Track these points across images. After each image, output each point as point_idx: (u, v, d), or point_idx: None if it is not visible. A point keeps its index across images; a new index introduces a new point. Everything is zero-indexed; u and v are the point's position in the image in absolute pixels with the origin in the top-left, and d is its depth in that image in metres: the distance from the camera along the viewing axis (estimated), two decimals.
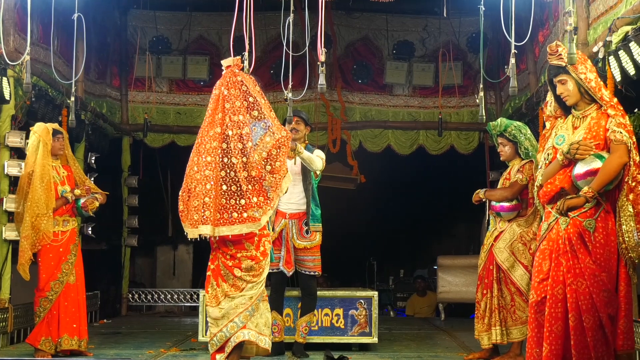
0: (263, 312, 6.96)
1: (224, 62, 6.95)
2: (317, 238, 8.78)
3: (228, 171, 6.63)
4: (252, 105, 6.72)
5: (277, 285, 8.75)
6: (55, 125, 8.96)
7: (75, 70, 9.32)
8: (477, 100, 9.45)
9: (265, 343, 6.93)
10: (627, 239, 5.97)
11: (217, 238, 6.72)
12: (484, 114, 9.18)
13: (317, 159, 8.52)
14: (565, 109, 6.41)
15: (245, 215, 6.63)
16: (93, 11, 12.17)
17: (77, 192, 8.92)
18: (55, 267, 8.69)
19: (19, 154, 9.55)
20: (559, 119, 6.50)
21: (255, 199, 6.65)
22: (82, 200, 8.94)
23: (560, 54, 6.22)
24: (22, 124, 9.75)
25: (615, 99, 6.27)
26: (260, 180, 6.68)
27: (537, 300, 6.18)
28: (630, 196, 5.98)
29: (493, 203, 8.62)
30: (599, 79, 6.30)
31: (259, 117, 6.75)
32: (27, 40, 8.55)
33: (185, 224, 6.73)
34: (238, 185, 6.62)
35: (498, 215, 8.59)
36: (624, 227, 5.98)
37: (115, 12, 14.26)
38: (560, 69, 6.26)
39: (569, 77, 6.24)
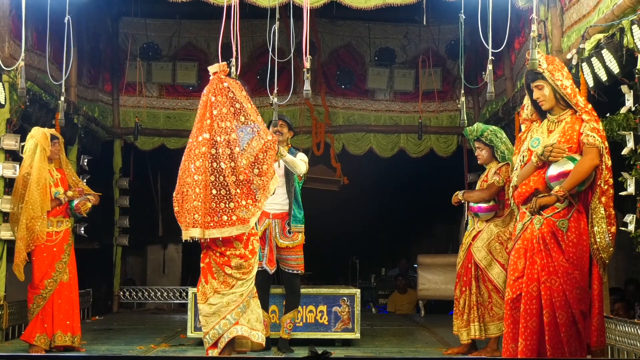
0: (254, 308, 7.15)
1: (211, 69, 7.12)
2: (300, 238, 8.94)
3: (217, 176, 6.82)
4: (239, 111, 6.90)
5: (262, 283, 8.75)
6: (52, 131, 9.14)
7: (65, 70, 9.48)
8: (459, 105, 9.64)
9: (259, 337, 7.11)
10: (598, 240, 6.16)
11: (208, 240, 6.91)
12: (465, 118, 9.41)
13: (300, 163, 8.62)
14: (541, 113, 6.57)
15: (234, 218, 6.82)
16: (86, 19, 12.38)
17: (70, 193, 9.10)
18: (49, 266, 8.87)
19: (13, 156, 9.67)
20: (534, 122, 6.65)
21: (244, 202, 6.84)
22: (75, 202, 9.11)
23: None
24: (17, 128, 9.85)
25: (590, 105, 6.44)
26: (248, 184, 6.86)
27: (512, 297, 6.36)
28: (603, 199, 6.16)
29: (471, 204, 8.80)
30: (574, 86, 6.47)
31: (246, 122, 6.91)
32: (22, 47, 8.76)
33: (181, 224, 6.95)
34: (227, 189, 6.81)
35: (476, 215, 8.77)
36: (596, 228, 6.17)
37: (107, 19, 14.43)
38: (537, 74, 6.43)
39: (545, 83, 6.42)
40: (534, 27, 6.64)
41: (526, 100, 6.77)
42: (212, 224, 6.86)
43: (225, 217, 6.85)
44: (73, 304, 9.12)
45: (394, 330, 11.62)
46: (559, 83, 6.38)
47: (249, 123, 6.97)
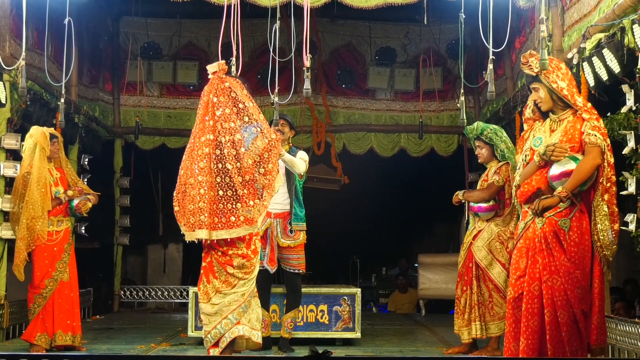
0: (254, 308, 7.15)
1: (210, 68, 7.07)
2: (301, 237, 8.96)
3: (223, 177, 6.80)
4: (242, 111, 6.89)
5: (263, 282, 8.71)
6: (52, 130, 9.12)
7: (65, 72, 9.48)
8: (458, 105, 9.66)
9: (258, 337, 7.11)
10: (602, 237, 6.16)
11: (215, 240, 6.89)
12: (464, 117, 9.43)
13: (300, 162, 8.64)
14: (542, 112, 6.57)
15: (242, 218, 6.81)
16: (86, 18, 12.40)
17: (70, 193, 9.09)
18: (50, 266, 8.86)
19: (14, 155, 9.68)
20: (537, 121, 6.65)
21: (251, 202, 6.83)
22: (75, 202, 9.11)
23: (530, 64, 6.43)
24: (18, 127, 9.86)
25: (590, 104, 6.45)
26: (253, 183, 6.86)
27: (514, 296, 6.37)
28: (605, 196, 6.16)
29: (471, 204, 8.83)
30: (572, 86, 6.45)
31: (250, 122, 6.90)
32: (23, 46, 8.78)
33: (181, 224, 6.93)
34: (234, 190, 6.79)
35: (476, 215, 8.79)
36: (599, 226, 6.17)
37: (107, 19, 14.44)
38: (534, 77, 6.45)
39: (541, 85, 6.44)
40: (543, 27, 6.66)
41: (530, 100, 6.76)
42: (219, 225, 6.84)
43: (233, 218, 6.84)
44: (73, 304, 9.13)
45: (395, 329, 11.63)
46: (555, 86, 6.39)
47: (253, 122, 6.96)
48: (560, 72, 6.45)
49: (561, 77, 6.41)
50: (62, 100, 9.48)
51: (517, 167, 6.69)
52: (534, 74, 6.45)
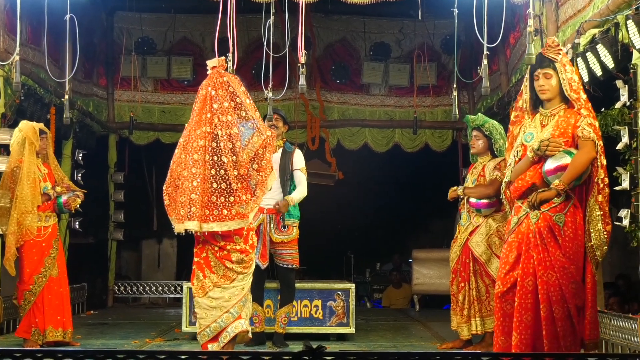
0: (249, 303, 7.17)
1: (210, 63, 7.05)
2: (294, 232, 8.94)
3: (218, 169, 6.76)
4: (240, 106, 6.86)
5: (256, 277, 8.66)
6: (41, 125, 9.10)
7: (68, 70, 9.50)
8: (452, 99, 9.69)
9: (250, 332, 7.13)
10: (594, 237, 6.13)
11: (207, 233, 6.83)
12: (457, 112, 9.45)
13: (304, 186, 8.86)
14: (534, 105, 6.51)
15: (234, 212, 6.75)
16: (80, 13, 12.33)
17: (59, 189, 9.07)
18: (39, 262, 8.85)
19: (8, 151, 9.49)
20: (525, 118, 6.56)
21: (244, 197, 6.78)
22: (63, 198, 9.06)
23: (559, 50, 6.36)
24: (12, 122, 9.84)
25: (590, 104, 6.40)
26: (247, 178, 6.83)
27: (502, 290, 6.32)
28: (599, 197, 6.13)
29: (471, 200, 8.74)
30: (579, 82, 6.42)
31: (246, 118, 6.88)
32: (17, 41, 8.77)
33: (172, 217, 6.88)
34: (228, 183, 6.75)
35: (478, 211, 8.71)
36: (592, 226, 6.14)
37: (102, 14, 14.40)
38: (550, 62, 6.33)
39: (554, 73, 6.33)
40: (530, 22, 6.66)
41: (525, 89, 6.64)
42: (211, 218, 6.79)
43: (225, 211, 6.78)
44: (63, 299, 9.12)
45: (389, 324, 11.65)
46: (569, 76, 6.31)
47: (249, 118, 6.95)
48: (571, 67, 6.43)
49: (574, 71, 6.40)
50: (66, 96, 9.49)
51: (508, 164, 6.61)
52: (556, 60, 6.32)
